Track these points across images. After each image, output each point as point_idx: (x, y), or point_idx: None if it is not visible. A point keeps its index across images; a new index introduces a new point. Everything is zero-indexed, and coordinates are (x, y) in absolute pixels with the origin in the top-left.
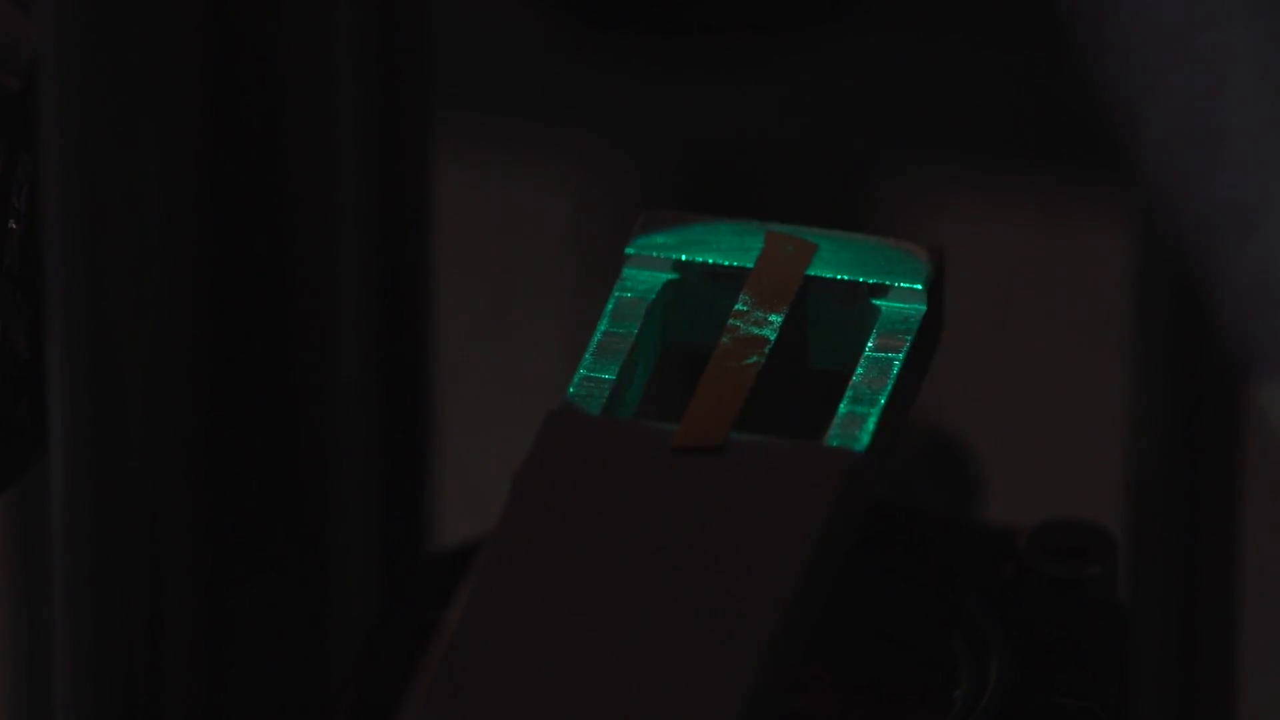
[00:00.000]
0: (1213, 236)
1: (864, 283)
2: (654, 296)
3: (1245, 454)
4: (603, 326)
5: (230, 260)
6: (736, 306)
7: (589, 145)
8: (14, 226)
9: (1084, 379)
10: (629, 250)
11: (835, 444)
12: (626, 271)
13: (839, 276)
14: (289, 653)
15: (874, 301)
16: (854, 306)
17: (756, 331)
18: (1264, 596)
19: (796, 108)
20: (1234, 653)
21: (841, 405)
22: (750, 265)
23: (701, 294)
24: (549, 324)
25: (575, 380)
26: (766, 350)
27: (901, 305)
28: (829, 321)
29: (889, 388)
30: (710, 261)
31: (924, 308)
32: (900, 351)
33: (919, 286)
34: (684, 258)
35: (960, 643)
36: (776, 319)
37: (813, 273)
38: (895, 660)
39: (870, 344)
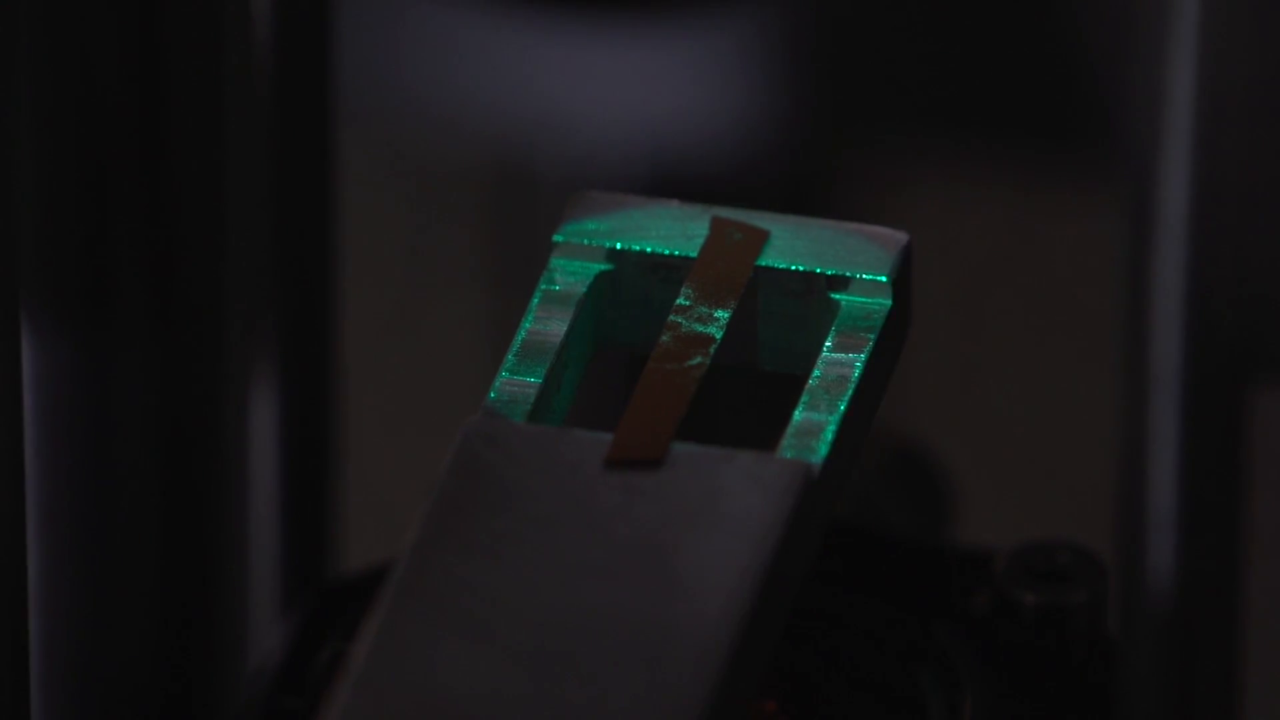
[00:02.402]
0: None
1: (821, 274)
2: (585, 290)
3: (1247, 466)
4: (527, 324)
5: (112, 253)
6: (678, 301)
7: (512, 118)
8: None
9: (1068, 382)
10: (557, 238)
11: (789, 455)
12: (554, 261)
13: (793, 267)
14: (179, 692)
15: (833, 295)
16: (810, 301)
17: (700, 329)
18: (1269, 626)
19: (744, 76)
20: (1235, 690)
21: (796, 412)
22: (693, 254)
23: (638, 287)
24: (466, 321)
25: (496, 384)
26: (712, 350)
27: (864, 300)
28: (782, 318)
29: (849, 393)
30: (648, 250)
31: (889, 302)
32: (862, 352)
33: (883, 278)
34: (619, 246)
35: (929, 678)
36: (723, 315)
37: (764, 263)
38: (857, 698)
39: (829, 343)
